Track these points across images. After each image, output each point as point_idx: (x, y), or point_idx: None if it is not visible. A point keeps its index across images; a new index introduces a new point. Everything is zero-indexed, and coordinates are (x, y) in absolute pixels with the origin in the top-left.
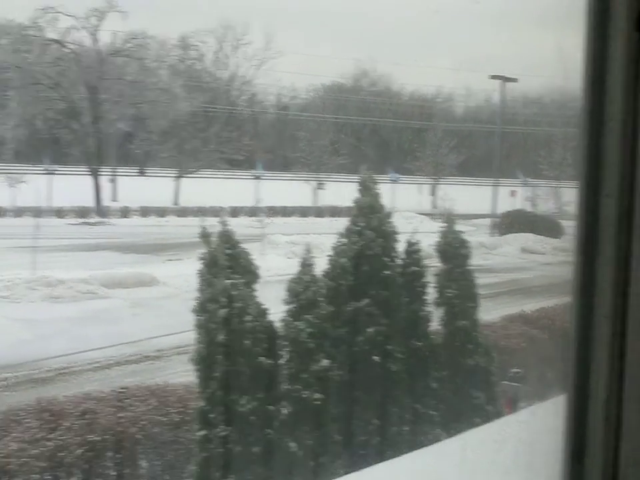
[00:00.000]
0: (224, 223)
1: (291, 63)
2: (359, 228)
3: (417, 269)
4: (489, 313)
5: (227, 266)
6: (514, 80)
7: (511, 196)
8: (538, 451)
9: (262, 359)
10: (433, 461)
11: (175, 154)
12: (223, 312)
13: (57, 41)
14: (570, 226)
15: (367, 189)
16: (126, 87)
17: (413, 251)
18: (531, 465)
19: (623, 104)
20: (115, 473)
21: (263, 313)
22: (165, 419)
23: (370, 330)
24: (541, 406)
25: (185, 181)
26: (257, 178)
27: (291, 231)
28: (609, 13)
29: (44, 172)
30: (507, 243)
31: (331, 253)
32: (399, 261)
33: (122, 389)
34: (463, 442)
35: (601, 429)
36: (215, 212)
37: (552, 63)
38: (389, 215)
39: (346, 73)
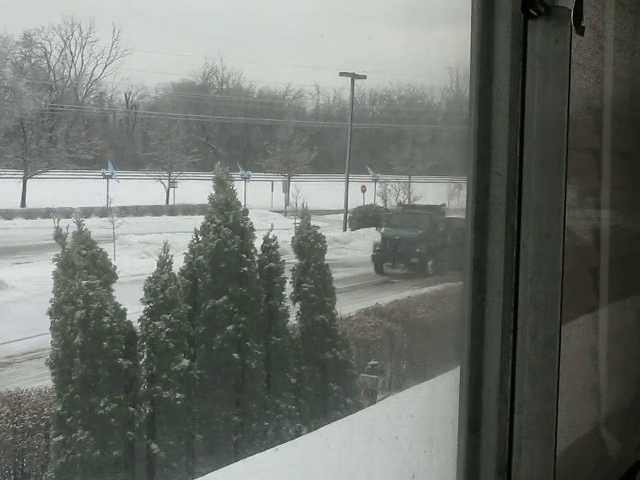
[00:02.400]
0: (79, 223)
1: (140, 60)
2: (215, 225)
3: (274, 265)
4: (346, 306)
5: (83, 266)
6: (363, 77)
7: (362, 191)
8: (437, 424)
9: (121, 360)
10: (344, 435)
11: (20, 154)
12: (79, 313)
13: None
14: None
15: (221, 185)
16: None
17: (269, 247)
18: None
19: (510, 84)
20: None
21: (121, 313)
22: (19, 426)
23: (229, 327)
24: (440, 380)
25: (32, 182)
26: (108, 177)
27: (144, 230)
28: None
29: None
30: (359, 237)
31: (187, 250)
32: (256, 258)
33: None
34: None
35: (495, 401)
36: (64, 213)
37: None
38: (245, 211)
39: (195, 71)
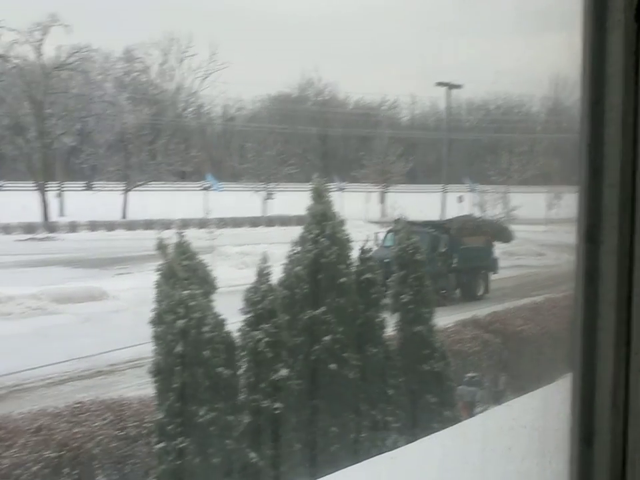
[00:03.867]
0: (180, 235)
1: (237, 73)
2: (313, 236)
3: (371, 275)
4: (442, 317)
5: (184, 277)
6: (458, 87)
7: (459, 202)
8: (549, 435)
9: (220, 369)
10: (455, 444)
11: (121, 167)
12: (180, 323)
13: (0, 56)
14: (518, 230)
15: (319, 196)
16: (71, 101)
17: (367, 258)
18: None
19: (623, 94)
20: None
21: (220, 323)
22: (122, 433)
23: (326, 338)
24: (547, 391)
25: (132, 194)
26: (206, 189)
27: (242, 241)
28: (607, 4)
29: None
30: None
31: (285, 261)
32: (354, 268)
33: (77, 404)
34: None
35: (609, 414)
36: (164, 224)
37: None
38: (342, 222)
39: (292, 83)
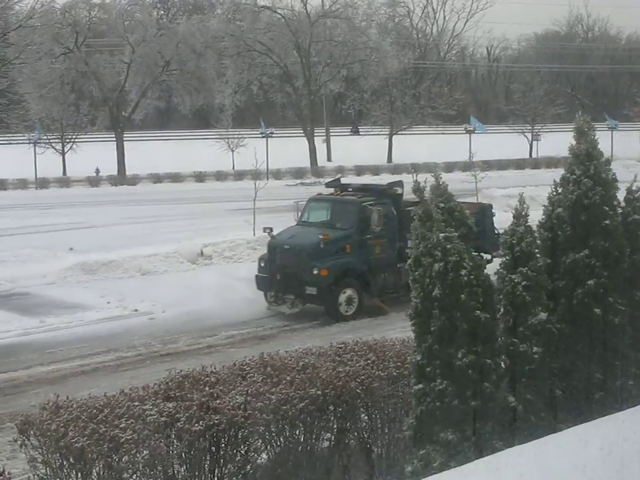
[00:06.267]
0: (437, 177)
1: (502, 12)
2: (575, 176)
3: (638, 217)
4: None
5: (441, 219)
6: None
7: None
8: None
9: (478, 312)
10: None
11: (386, 112)
12: (437, 266)
13: (268, 8)
14: None
15: (582, 135)
16: (336, 48)
17: (634, 198)
18: None
19: None
20: (336, 426)
21: (478, 266)
22: (384, 373)
23: (590, 282)
24: None
25: (397, 138)
26: (470, 132)
27: (507, 184)
28: None
29: (261, 135)
30: None
31: (546, 203)
32: (620, 210)
33: (341, 344)
34: None
35: None
36: (428, 168)
37: None
38: (607, 161)
39: (559, 20)
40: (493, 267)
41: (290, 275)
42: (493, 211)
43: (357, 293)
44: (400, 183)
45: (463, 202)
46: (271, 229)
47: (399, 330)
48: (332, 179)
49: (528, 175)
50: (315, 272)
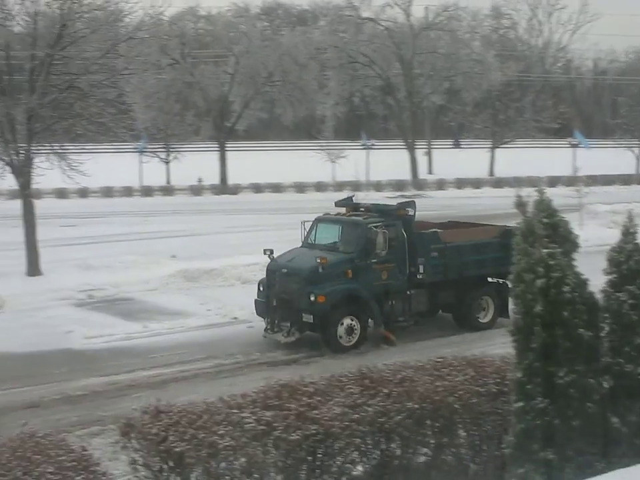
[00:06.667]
0: (541, 192)
1: (609, 25)
2: None
3: None
4: None
5: (544, 235)
6: None
7: None
8: None
9: (582, 330)
10: None
11: (488, 124)
12: (540, 282)
13: (371, 19)
14: None
15: None
16: (439, 60)
17: None
18: None
19: None
20: (433, 441)
21: (582, 283)
22: (482, 389)
23: None
24: None
25: (499, 152)
26: (574, 146)
27: (612, 199)
28: None
29: (362, 147)
30: None
31: None
32: None
33: (439, 358)
34: None
35: None
36: (531, 182)
37: None
38: None
39: None
40: None
41: (286, 301)
42: None
43: (358, 322)
44: (412, 204)
45: (484, 225)
46: (272, 251)
47: (499, 346)
48: (344, 197)
49: (635, 190)
50: (312, 298)
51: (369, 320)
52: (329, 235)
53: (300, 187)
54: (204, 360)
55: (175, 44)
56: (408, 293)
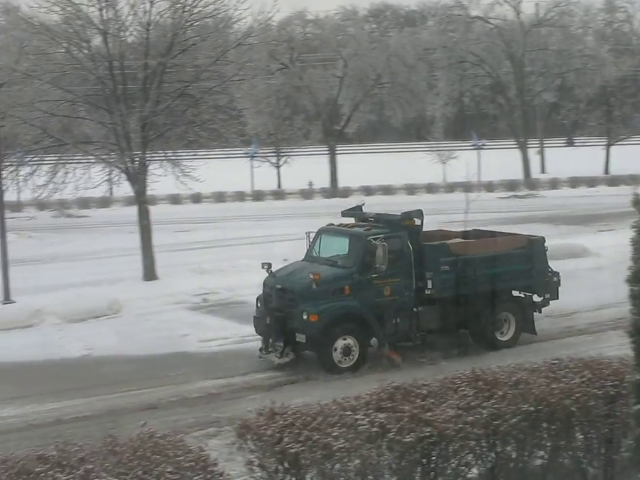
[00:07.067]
0: None
1: None
2: None
3: None
4: None
5: None
6: None
7: None
8: None
9: None
10: None
11: (603, 121)
12: None
13: (480, 18)
14: None
15: None
16: (550, 57)
17: None
18: None
19: None
20: (549, 444)
21: None
22: (600, 392)
23: None
24: None
25: (614, 149)
26: None
27: None
28: None
29: (472, 147)
30: None
31: None
32: None
33: (555, 360)
34: None
35: None
36: None
37: None
38: None
39: None
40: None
41: (280, 319)
42: (546, 244)
43: (357, 342)
44: (419, 213)
45: (509, 234)
46: (270, 265)
47: (616, 347)
48: (352, 206)
49: None
50: (304, 317)
51: (372, 339)
52: (331, 247)
53: (410, 189)
54: (317, 362)
55: (283, 49)
56: (414, 310)
